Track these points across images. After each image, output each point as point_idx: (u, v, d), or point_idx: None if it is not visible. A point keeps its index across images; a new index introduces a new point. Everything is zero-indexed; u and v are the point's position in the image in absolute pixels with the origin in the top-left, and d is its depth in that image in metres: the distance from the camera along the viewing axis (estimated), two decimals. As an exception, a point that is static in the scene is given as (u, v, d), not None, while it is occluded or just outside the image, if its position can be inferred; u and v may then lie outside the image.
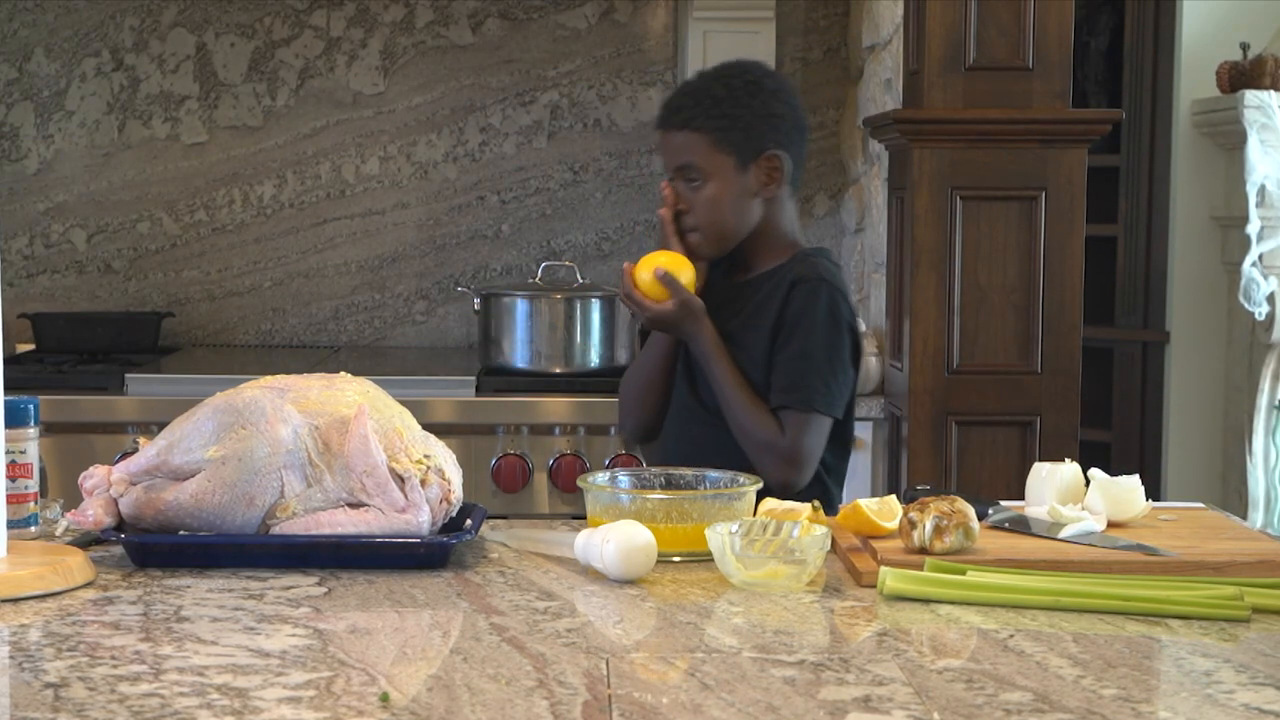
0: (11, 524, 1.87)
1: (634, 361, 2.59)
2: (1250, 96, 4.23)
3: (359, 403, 1.90)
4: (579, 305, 3.45)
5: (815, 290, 2.37)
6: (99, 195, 4.01)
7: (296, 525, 1.85)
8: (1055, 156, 3.14)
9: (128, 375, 3.32)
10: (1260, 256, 4.27)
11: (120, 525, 1.88)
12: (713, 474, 2.05)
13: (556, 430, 3.29)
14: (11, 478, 1.89)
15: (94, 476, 1.91)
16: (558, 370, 3.45)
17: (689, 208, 2.42)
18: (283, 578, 1.78)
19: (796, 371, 2.35)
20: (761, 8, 3.70)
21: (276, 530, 1.85)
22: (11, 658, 1.50)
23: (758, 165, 2.41)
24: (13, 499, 1.89)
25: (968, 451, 3.17)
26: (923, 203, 3.15)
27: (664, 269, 2.36)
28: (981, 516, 1.94)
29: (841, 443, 2.44)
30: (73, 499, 1.96)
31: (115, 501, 1.88)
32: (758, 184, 2.42)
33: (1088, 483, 2.03)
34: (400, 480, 1.86)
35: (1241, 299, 4.30)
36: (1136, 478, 2.02)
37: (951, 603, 1.68)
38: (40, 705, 1.34)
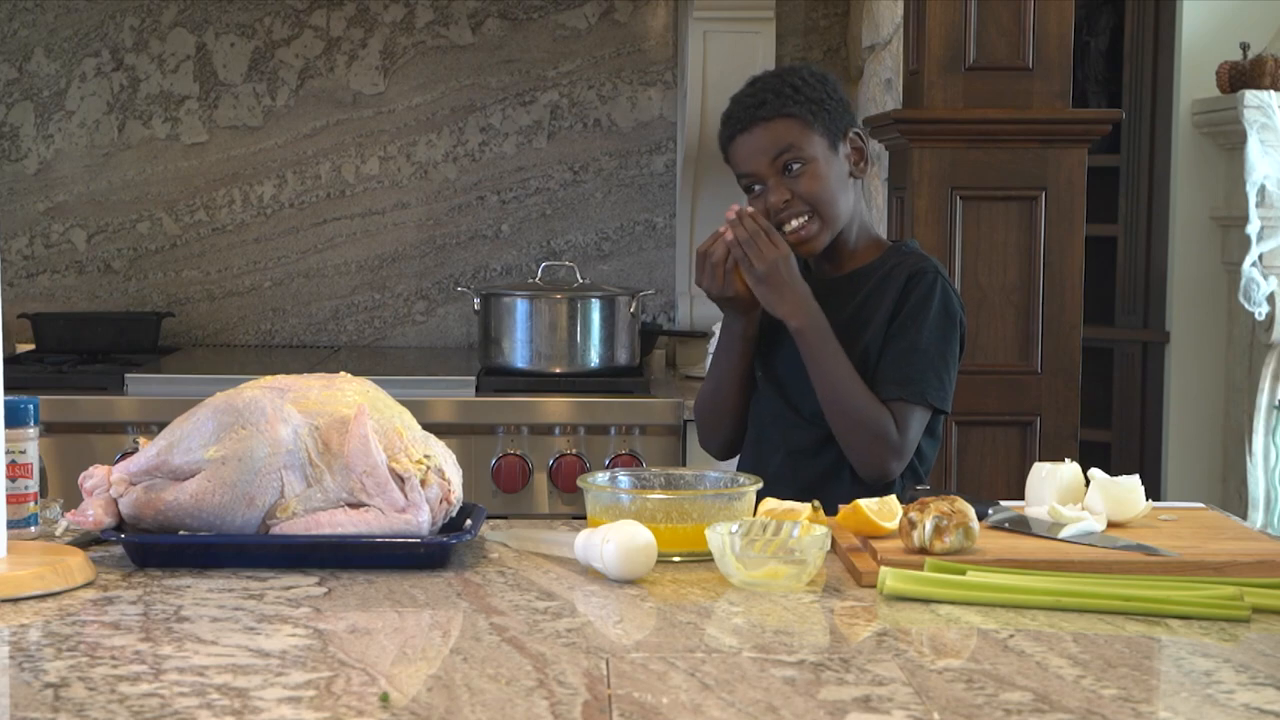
0: (11, 524, 1.87)
1: (707, 382, 2.53)
2: (1250, 96, 4.23)
3: (359, 403, 1.90)
4: (579, 305, 3.45)
5: (932, 284, 2.36)
6: (99, 195, 4.01)
7: (296, 525, 1.85)
8: (1055, 156, 3.14)
9: (128, 375, 3.32)
10: (1260, 256, 4.27)
11: (120, 525, 1.88)
12: (713, 474, 2.05)
13: (556, 430, 3.29)
14: (11, 478, 1.89)
15: (94, 476, 1.91)
16: (558, 370, 3.45)
17: (793, 196, 2.37)
18: (283, 578, 1.78)
19: (910, 364, 2.33)
20: (761, 8, 3.70)
21: (276, 530, 1.85)
22: (11, 658, 1.50)
23: (845, 145, 2.40)
24: (13, 499, 1.89)
25: (968, 451, 3.17)
26: (923, 203, 3.15)
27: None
28: (981, 516, 1.94)
29: (937, 435, 2.43)
30: (73, 499, 1.96)
31: (115, 501, 1.88)
32: (850, 164, 2.41)
33: (1088, 483, 2.03)
34: (400, 480, 1.86)
35: (1241, 299, 4.30)
36: (1136, 478, 2.02)
37: (951, 603, 1.68)
38: (40, 705, 1.34)
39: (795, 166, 2.37)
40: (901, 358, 2.34)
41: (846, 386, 2.31)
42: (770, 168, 2.37)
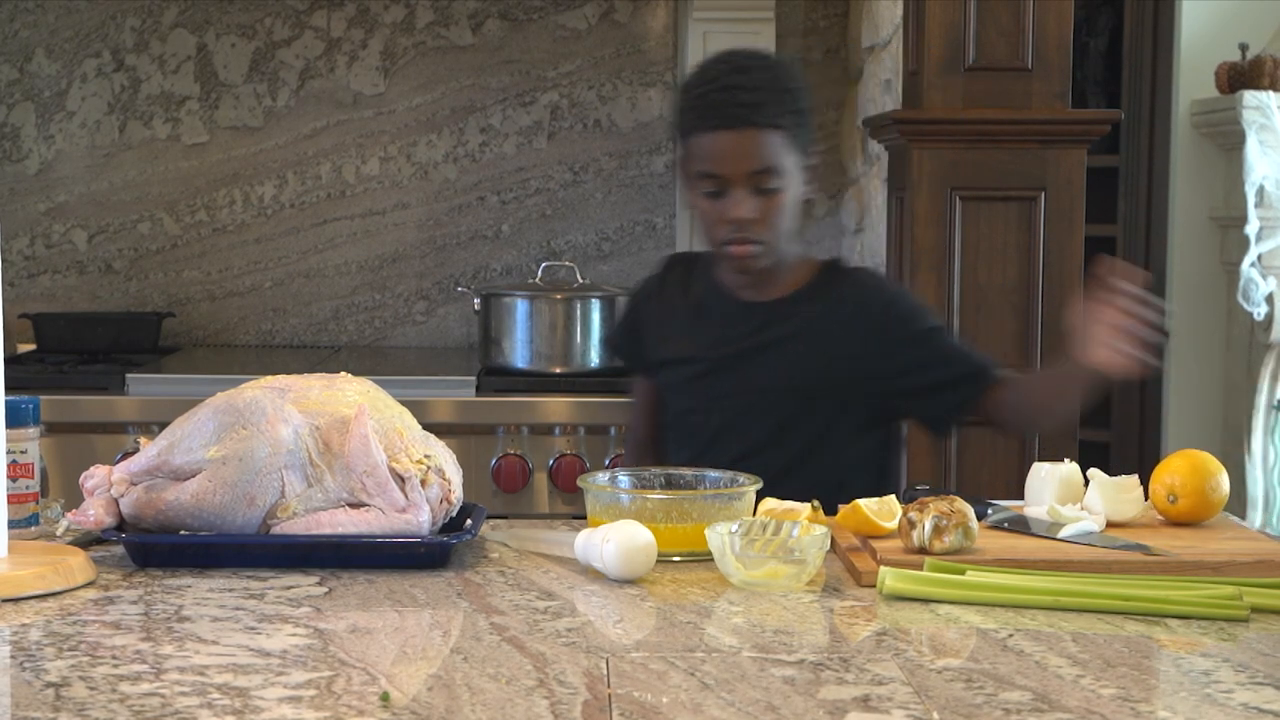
0: (12, 524, 1.88)
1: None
2: (1249, 97, 4.23)
3: (359, 403, 1.91)
4: (579, 305, 3.45)
5: (909, 300, 2.42)
6: (100, 195, 4.01)
7: (297, 525, 1.85)
8: (1055, 157, 3.15)
9: (128, 375, 3.33)
10: (1259, 257, 4.27)
11: (121, 525, 1.88)
12: (712, 474, 2.05)
13: (556, 430, 3.29)
14: (12, 478, 1.89)
15: (95, 476, 1.91)
16: (558, 370, 3.45)
17: (760, 218, 2.23)
18: (283, 577, 1.79)
19: (970, 352, 2.38)
20: (761, 8, 3.70)
21: (277, 530, 1.85)
22: (12, 657, 1.50)
23: (811, 163, 2.30)
24: (13, 499, 1.89)
25: (968, 451, 3.17)
26: (922, 203, 3.15)
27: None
28: (981, 516, 1.94)
29: (900, 438, 2.46)
30: (73, 499, 1.96)
31: (116, 501, 1.88)
32: (809, 185, 2.30)
33: (1087, 483, 2.03)
34: (400, 480, 1.86)
35: (1240, 299, 4.31)
36: (1136, 478, 2.02)
37: (951, 602, 1.69)
38: (41, 705, 1.34)
39: (772, 187, 2.23)
40: (961, 352, 2.37)
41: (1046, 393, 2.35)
42: (746, 179, 2.23)
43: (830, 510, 1.98)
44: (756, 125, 2.21)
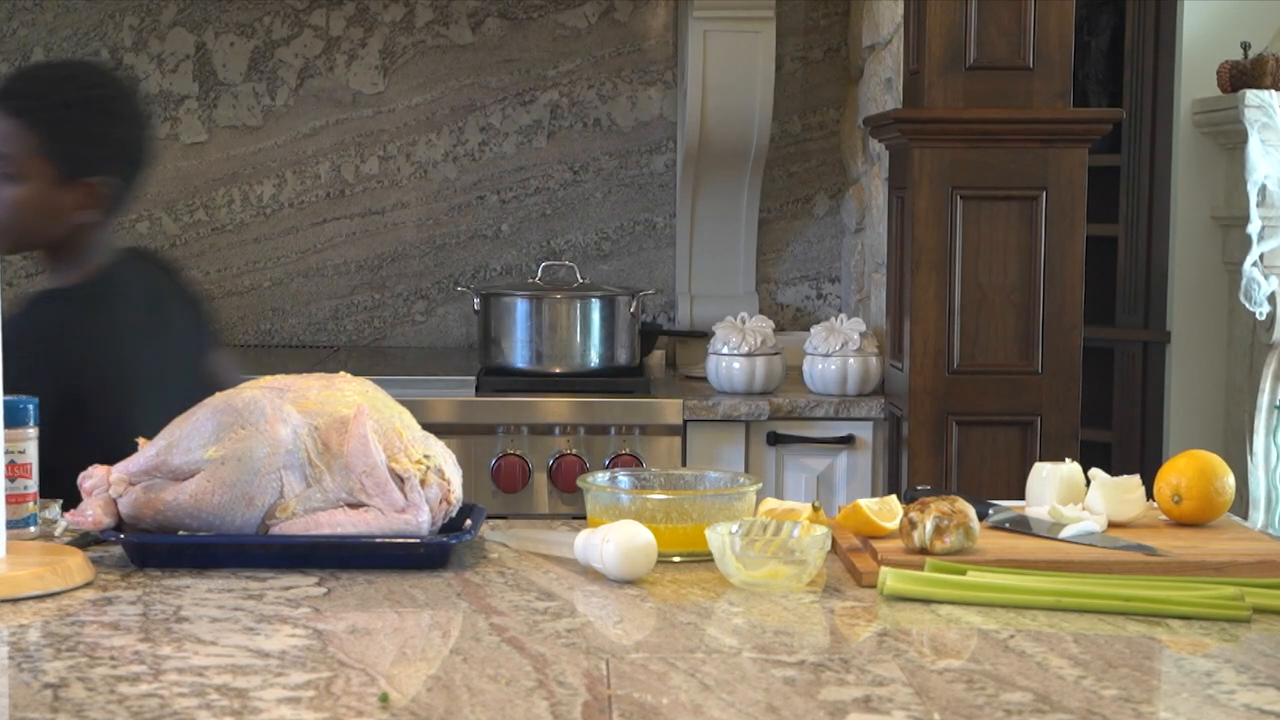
0: (11, 524, 1.87)
1: None
2: (1251, 96, 4.23)
3: (358, 403, 1.90)
4: (579, 305, 3.45)
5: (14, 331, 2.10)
6: (99, 195, 4.01)
7: (296, 525, 1.85)
8: (1056, 156, 3.14)
9: (127, 375, 3.32)
10: (1261, 256, 4.27)
11: (119, 525, 1.88)
12: (712, 474, 2.05)
13: (556, 430, 3.29)
14: (11, 478, 1.89)
15: (93, 477, 1.90)
16: (558, 370, 3.45)
17: None
18: (282, 578, 1.78)
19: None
20: (761, 8, 3.70)
21: (276, 530, 1.85)
22: (11, 658, 1.50)
23: (82, 186, 2.29)
24: (12, 499, 1.89)
25: (968, 451, 3.17)
26: (923, 203, 3.15)
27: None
28: (981, 516, 1.93)
29: None
30: (71, 499, 1.96)
31: (114, 502, 1.88)
32: (75, 205, 2.29)
33: (1088, 483, 2.03)
34: (400, 480, 1.86)
35: (1242, 299, 4.30)
36: (1137, 478, 2.02)
37: (952, 603, 1.68)
38: (39, 705, 1.33)
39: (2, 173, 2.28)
40: None
41: None
42: None
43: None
44: (4, 113, 2.27)
